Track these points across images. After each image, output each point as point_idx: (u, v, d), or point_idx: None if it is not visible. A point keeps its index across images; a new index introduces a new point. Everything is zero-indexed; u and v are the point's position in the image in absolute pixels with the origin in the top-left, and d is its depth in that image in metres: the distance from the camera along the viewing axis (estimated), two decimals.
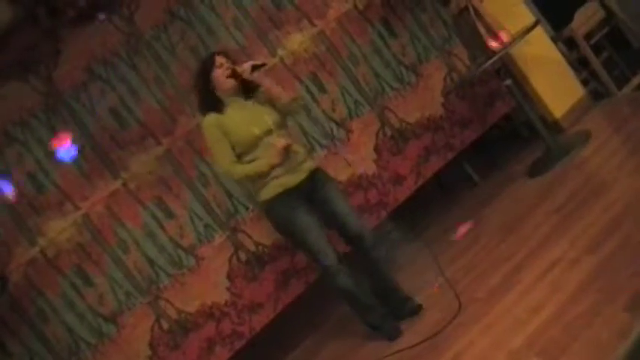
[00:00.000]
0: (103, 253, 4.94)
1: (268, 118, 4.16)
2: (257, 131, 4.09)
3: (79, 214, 4.94)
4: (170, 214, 5.06)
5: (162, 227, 5.04)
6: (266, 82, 4.17)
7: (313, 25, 5.43)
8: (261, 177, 4.10)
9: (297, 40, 5.39)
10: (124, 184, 5.02)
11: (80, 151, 4.99)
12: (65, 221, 4.92)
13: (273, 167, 4.05)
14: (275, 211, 4.20)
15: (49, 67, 5.01)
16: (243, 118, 4.13)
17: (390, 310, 4.38)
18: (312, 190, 4.21)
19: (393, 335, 4.24)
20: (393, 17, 5.63)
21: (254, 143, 4.09)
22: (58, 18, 4.90)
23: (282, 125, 4.24)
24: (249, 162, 4.10)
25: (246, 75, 4.13)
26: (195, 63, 5.07)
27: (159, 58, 5.16)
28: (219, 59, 4.23)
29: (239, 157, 4.12)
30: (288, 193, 4.11)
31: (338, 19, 5.48)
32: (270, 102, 4.21)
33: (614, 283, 3.04)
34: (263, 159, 4.06)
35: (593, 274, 3.27)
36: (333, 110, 5.40)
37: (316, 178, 4.26)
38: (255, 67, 4.13)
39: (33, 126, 4.95)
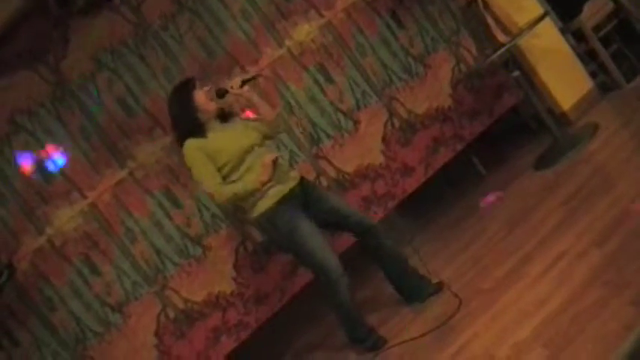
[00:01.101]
0: (110, 243, 4.95)
1: (252, 134, 4.16)
2: (245, 144, 4.07)
3: (86, 203, 4.96)
4: (177, 204, 5.07)
5: (169, 217, 5.05)
6: (254, 98, 4.15)
7: (321, 15, 5.43)
8: (252, 194, 4.04)
9: (304, 31, 5.39)
10: (131, 174, 5.03)
11: (87, 140, 5.00)
12: (72, 210, 4.94)
13: (263, 184, 4.00)
14: (276, 221, 4.10)
15: (58, 57, 5.02)
16: (228, 135, 4.12)
17: (407, 294, 4.42)
18: (305, 195, 4.22)
19: (381, 344, 4.21)
20: (401, 8, 5.62)
21: (240, 159, 4.04)
22: (66, 7, 4.91)
23: (263, 142, 4.23)
24: (236, 182, 4.05)
25: (236, 90, 4.12)
26: (203, 53, 5.09)
27: (167, 48, 5.16)
28: (198, 82, 4.18)
29: (224, 179, 4.05)
30: (285, 202, 4.08)
31: (346, 9, 5.47)
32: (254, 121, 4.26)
33: (621, 277, 3.04)
34: (251, 176, 4.02)
35: (600, 267, 3.27)
36: (341, 101, 5.40)
37: (304, 184, 4.28)
38: (245, 81, 4.13)
39: (41, 115, 4.96)
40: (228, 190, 4.00)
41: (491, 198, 5.30)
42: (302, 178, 4.29)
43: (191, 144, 4.04)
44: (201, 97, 4.11)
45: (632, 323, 2.64)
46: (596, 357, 2.64)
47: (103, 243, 4.95)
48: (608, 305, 2.91)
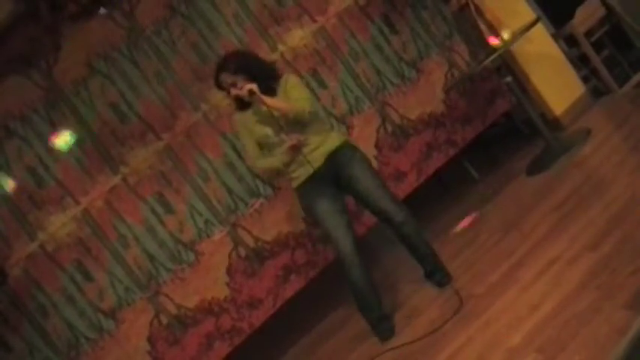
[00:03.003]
0: (102, 248, 4.95)
1: (280, 119, 4.15)
2: (269, 131, 4.20)
3: (79, 208, 4.95)
4: (170, 210, 5.07)
5: (162, 222, 5.05)
6: (268, 103, 4.12)
7: (314, 21, 5.43)
8: (281, 171, 4.27)
9: (297, 36, 5.39)
10: (124, 179, 5.02)
11: (80, 145, 4.99)
12: (65, 216, 4.94)
13: (285, 164, 4.19)
14: (300, 199, 4.40)
15: (50, 62, 5.02)
16: (259, 119, 4.21)
17: (427, 273, 4.52)
18: (335, 172, 4.26)
19: (386, 336, 4.27)
20: (394, 13, 5.63)
21: (267, 142, 4.24)
22: (59, 13, 4.91)
23: (294, 122, 4.17)
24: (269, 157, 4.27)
25: (243, 97, 4.15)
26: (196, 58, 5.09)
27: (159, 54, 5.16)
28: (225, 80, 4.18)
29: (264, 151, 4.32)
30: (311, 181, 4.23)
31: (338, 14, 5.48)
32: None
33: (614, 281, 3.04)
34: (277, 156, 4.19)
35: (593, 272, 3.26)
36: (334, 106, 5.40)
37: (338, 157, 4.27)
38: (252, 93, 4.09)
39: (33, 121, 4.96)
40: (259, 165, 4.35)
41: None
42: (336, 152, 4.28)
43: (235, 119, 4.38)
44: (230, 94, 4.22)
45: (626, 328, 2.64)
46: None
47: (96, 249, 4.95)
48: (601, 309, 2.91)
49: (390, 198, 4.35)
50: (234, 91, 4.14)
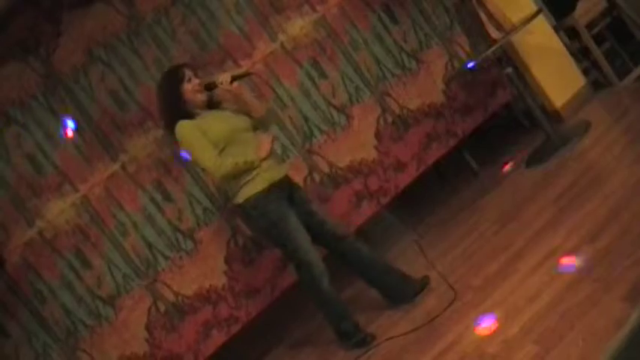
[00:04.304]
0: (101, 236, 4.95)
1: (241, 119, 4.18)
2: (237, 124, 4.12)
3: (77, 196, 4.95)
4: (169, 198, 5.07)
5: (160, 210, 5.05)
6: (246, 95, 4.14)
7: (314, 10, 5.42)
8: (248, 170, 4.04)
9: (298, 25, 5.38)
10: (123, 167, 5.02)
11: (80, 133, 4.99)
12: (64, 203, 4.93)
13: (261, 159, 4.07)
14: (263, 208, 4.08)
15: (49, 49, 5.00)
16: (217, 118, 4.14)
17: (393, 294, 4.40)
18: (291, 191, 4.25)
19: (366, 342, 4.21)
20: (395, 3, 5.61)
21: (234, 136, 4.07)
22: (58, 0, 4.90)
23: (254, 128, 4.23)
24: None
25: (225, 86, 4.10)
26: (196, 47, 5.08)
27: (159, 42, 5.15)
28: (188, 72, 4.19)
29: (221, 152, 4.05)
30: (274, 190, 4.10)
31: (339, 4, 5.46)
32: (245, 113, 4.23)
33: (612, 273, 3.05)
34: (249, 150, 4.07)
35: (591, 264, 3.27)
36: (334, 96, 5.39)
37: (290, 181, 4.32)
38: (235, 77, 4.12)
39: (32, 107, 4.94)
40: (229, 162, 3.98)
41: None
42: (287, 177, 4.32)
43: (184, 123, 4.03)
44: (189, 90, 4.13)
45: (623, 320, 2.64)
46: (587, 353, 2.65)
47: (95, 236, 4.95)
48: (598, 302, 2.91)
49: (335, 220, 4.50)
50: (216, 79, 4.14)
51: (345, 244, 4.32)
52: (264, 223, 4.12)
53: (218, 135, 4.01)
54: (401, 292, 4.36)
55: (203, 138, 3.99)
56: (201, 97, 4.16)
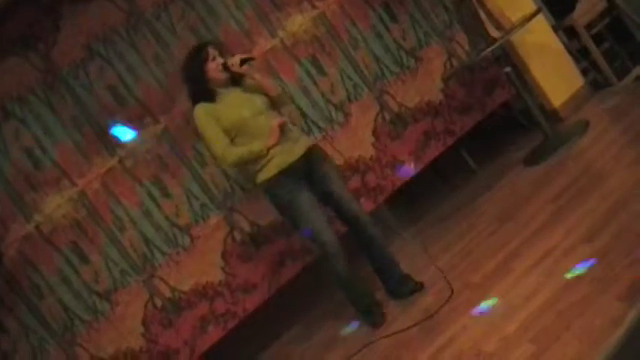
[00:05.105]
0: (98, 231, 4.95)
1: (258, 99, 4.22)
2: (247, 113, 4.14)
3: (75, 190, 4.94)
4: (166, 193, 5.07)
5: (158, 206, 5.05)
6: (256, 76, 4.20)
7: (314, 7, 5.41)
8: (258, 159, 4.12)
9: (297, 22, 5.37)
10: (121, 162, 5.01)
11: (78, 127, 4.98)
12: (61, 197, 4.93)
13: (268, 148, 4.09)
14: (275, 193, 4.22)
15: (48, 44, 4.99)
16: (232, 102, 4.19)
17: (391, 288, 4.46)
18: (309, 169, 4.24)
19: (378, 321, 4.30)
20: (394, 1, 5.61)
21: (244, 125, 4.13)
22: None
23: (272, 107, 4.27)
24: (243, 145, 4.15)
25: (235, 68, 4.18)
26: (195, 42, 5.07)
27: (159, 37, 5.14)
28: (212, 51, 4.25)
29: (232, 141, 4.16)
30: (286, 175, 4.14)
31: (339, 1, 5.45)
32: (260, 90, 4.27)
33: (609, 273, 3.05)
34: (257, 140, 4.10)
35: None
36: (332, 93, 5.39)
37: (313, 156, 4.29)
38: (243, 61, 4.18)
39: (31, 102, 4.93)
40: (235, 153, 4.12)
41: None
42: (312, 150, 4.30)
43: (200, 108, 4.17)
44: (212, 69, 4.20)
45: (620, 319, 2.65)
46: (583, 352, 2.65)
47: (92, 231, 4.95)
48: (595, 301, 2.92)
49: (357, 204, 4.47)
50: (228, 61, 4.18)
51: (360, 226, 4.36)
52: (276, 206, 4.28)
53: (229, 123, 4.12)
54: (398, 288, 4.42)
55: (216, 125, 4.12)
56: (224, 76, 4.22)
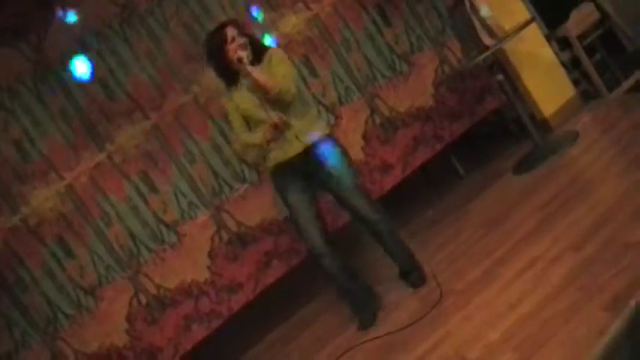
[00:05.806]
0: (85, 225, 4.92)
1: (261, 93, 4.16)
2: (252, 105, 4.18)
3: (62, 184, 4.92)
4: (154, 189, 5.05)
5: (145, 202, 5.03)
6: (254, 74, 4.09)
7: (308, 8, 5.41)
8: (261, 148, 4.19)
9: (291, 23, 5.37)
10: (109, 157, 4.99)
11: (67, 121, 4.96)
12: (49, 191, 4.90)
13: (267, 141, 4.13)
14: (273, 182, 4.38)
15: (40, 36, 4.97)
16: (243, 92, 4.21)
17: (408, 274, 4.49)
18: (308, 168, 4.22)
19: (366, 324, 4.32)
20: (389, 5, 5.61)
21: (253, 117, 4.20)
22: None
23: (275, 100, 4.14)
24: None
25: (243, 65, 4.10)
26: (188, 39, 5.07)
27: (152, 33, 5.13)
28: (230, 32, 4.17)
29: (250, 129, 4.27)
30: (283, 168, 4.21)
31: (333, 3, 5.45)
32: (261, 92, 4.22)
33: (595, 282, 3.06)
34: (259, 132, 4.15)
35: (575, 272, 3.28)
36: (324, 95, 5.39)
37: (318, 151, 4.22)
38: (240, 61, 4.13)
39: (20, 93, 4.91)
40: (242, 138, 4.27)
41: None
42: (314, 147, 4.22)
43: (225, 99, 4.34)
44: (232, 49, 4.13)
45: (604, 329, 2.65)
46: None
47: (78, 225, 4.92)
48: (580, 310, 2.93)
49: (365, 198, 4.40)
50: (239, 52, 4.10)
51: (366, 224, 4.39)
52: (276, 191, 4.43)
53: (244, 112, 4.24)
54: (414, 274, 4.47)
55: (235, 113, 4.27)
56: (246, 55, 4.12)
